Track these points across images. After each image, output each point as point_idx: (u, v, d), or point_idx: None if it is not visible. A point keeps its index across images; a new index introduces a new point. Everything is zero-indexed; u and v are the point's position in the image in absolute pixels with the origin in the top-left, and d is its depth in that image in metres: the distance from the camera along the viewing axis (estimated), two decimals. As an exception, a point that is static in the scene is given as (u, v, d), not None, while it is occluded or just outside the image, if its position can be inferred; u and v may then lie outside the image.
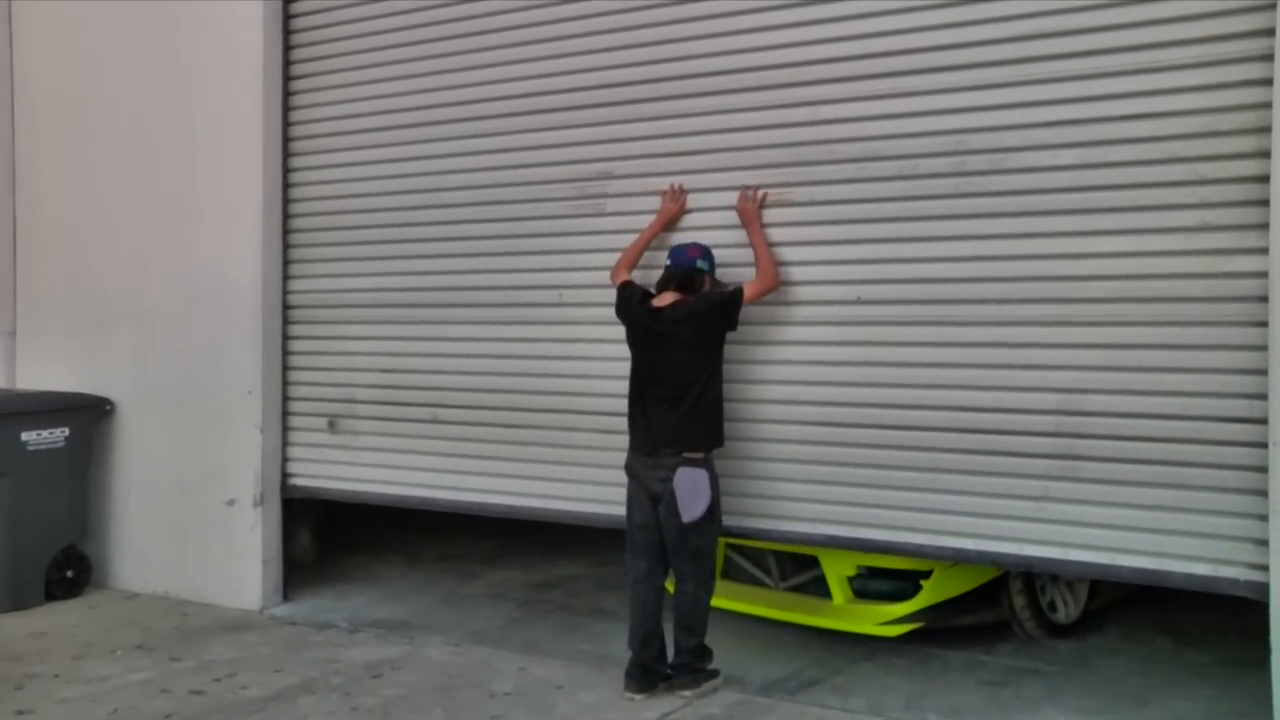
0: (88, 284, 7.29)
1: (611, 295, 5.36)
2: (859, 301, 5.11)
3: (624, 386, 5.24)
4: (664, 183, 5.53)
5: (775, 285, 5.15)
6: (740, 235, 5.27)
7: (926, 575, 5.54)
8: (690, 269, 5.12)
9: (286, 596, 6.78)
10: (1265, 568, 4.21)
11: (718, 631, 5.39)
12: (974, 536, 4.86)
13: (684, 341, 5.01)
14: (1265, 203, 4.21)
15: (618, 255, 5.47)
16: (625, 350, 5.26)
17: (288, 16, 6.71)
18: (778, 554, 5.96)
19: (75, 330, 7.33)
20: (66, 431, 6.89)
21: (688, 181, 5.49)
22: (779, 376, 5.32)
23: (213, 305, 6.79)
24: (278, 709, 5.04)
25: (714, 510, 5.05)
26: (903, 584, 5.59)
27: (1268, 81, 4.20)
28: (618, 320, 5.30)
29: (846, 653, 5.70)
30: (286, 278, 6.77)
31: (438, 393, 6.27)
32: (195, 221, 6.87)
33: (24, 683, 5.37)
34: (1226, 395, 4.36)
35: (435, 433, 6.27)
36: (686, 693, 5.08)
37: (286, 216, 6.76)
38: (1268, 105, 4.20)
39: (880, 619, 5.57)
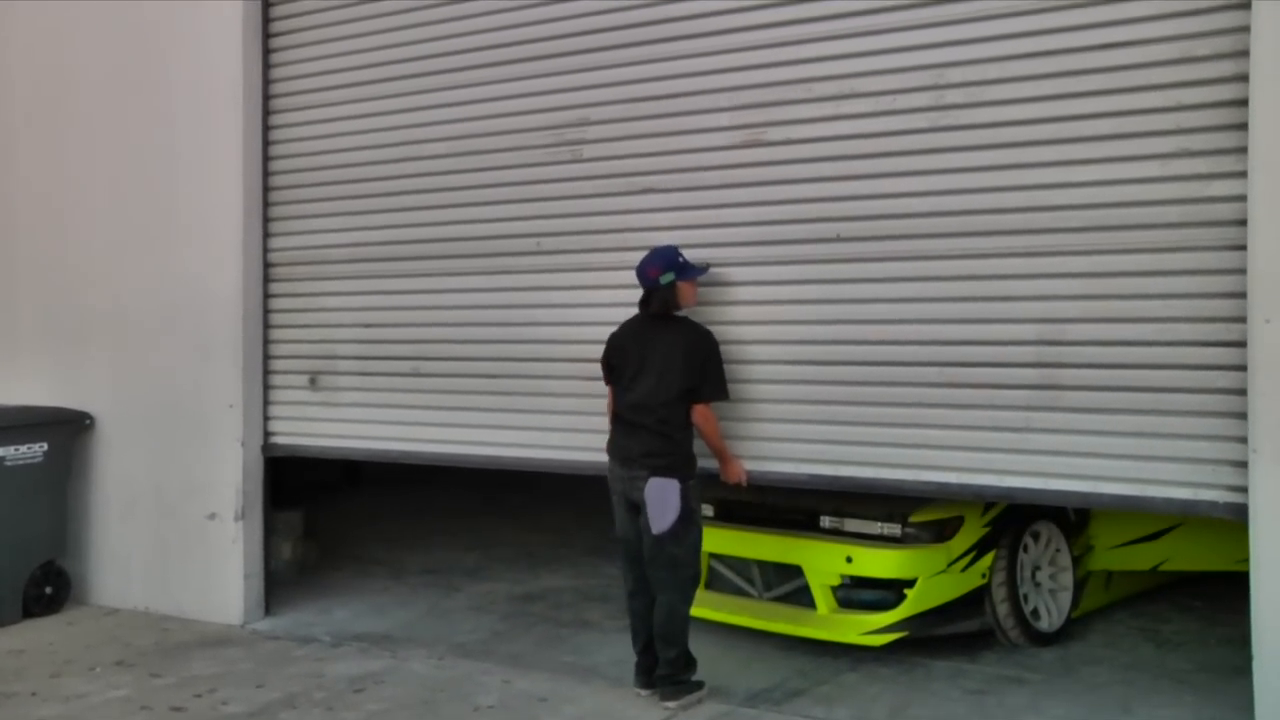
0: (66, 298, 7.25)
1: (592, 242, 5.53)
2: (839, 239, 5.11)
3: (603, 333, 5.30)
4: (641, 127, 5.55)
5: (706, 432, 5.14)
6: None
7: (910, 584, 5.55)
8: (659, 288, 5.12)
9: (268, 611, 6.74)
10: (1244, 489, 4.25)
11: (702, 642, 5.39)
12: (956, 470, 4.88)
13: (670, 369, 5.03)
14: (1243, 126, 4.24)
15: (596, 202, 5.59)
16: (604, 296, 5.42)
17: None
18: (761, 563, 5.96)
19: (54, 344, 7.28)
20: (45, 446, 6.84)
21: (666, 125, 5.49)
22: (760, 317, 5.32)
23: (193, 318, 6.76)
24: (259, 725, 5.02)
25: (690, 520, 5.06)
26: (886, 593, 5.60)
27: (1245, 5, 4.22)
28: (594, 268, 5.55)
29: (831, 663, 5.69)
30: (266, 235, 6.74)
31: (418, 345, 6.27)
32: (174, 235, 6.84)
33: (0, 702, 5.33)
34: (1205, 320, 4.39)
35: (416, 385, 6.27)
36: (670, 704, 5.07)
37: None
38: (1245, 29, 4.22)
39: (864, 628, 5.58)
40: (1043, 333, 4.69)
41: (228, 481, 6.62)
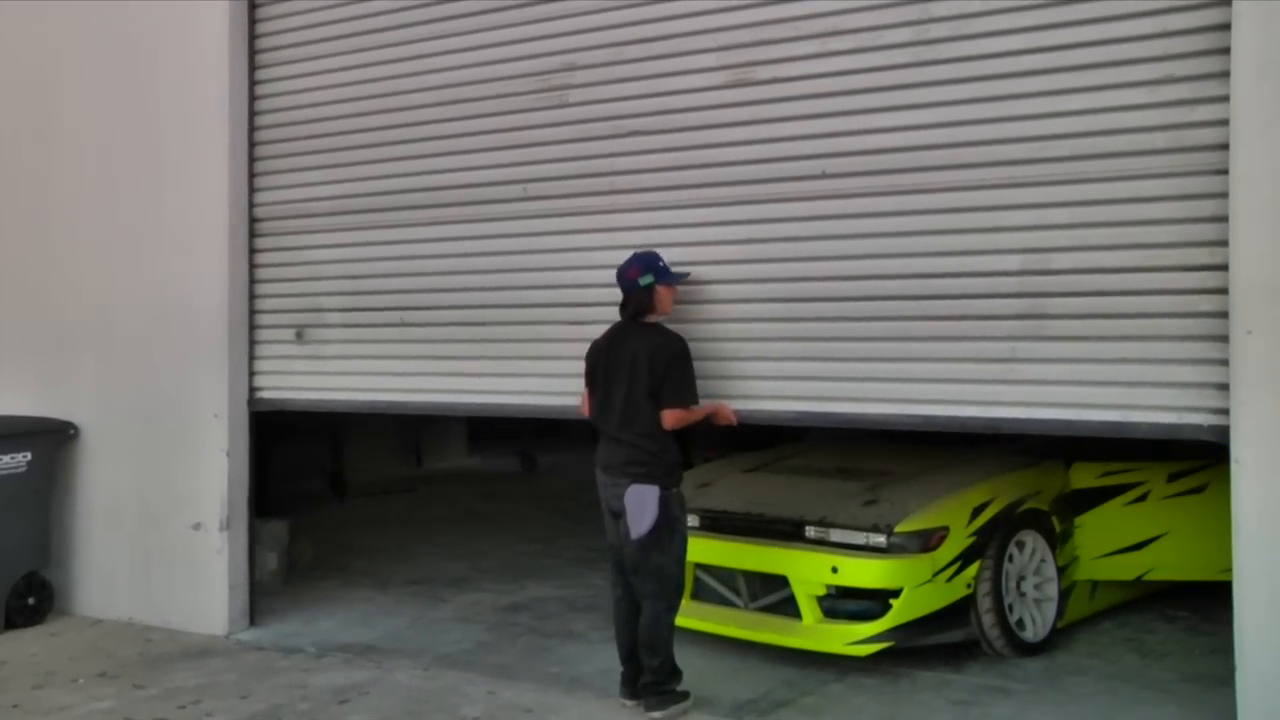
0: (51, 307, 7.23)
1: (579, 186, 5.56)
2: (824, 176, 5.13)
3: (591, 277, 5.38)
4: (627, 70, 5.56)
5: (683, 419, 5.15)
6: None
7: (896, 594, 5.56)
8: (636, 290, 5.14)
9: (253, 621, 6.71)
10: (1226, 411, 4.27)
11: (687, 653, 5.38)
12: (942, 403, 4.90)
13: (637, 378, 5.05)
14: (1225, 51, 4.27)
15: (582, 147, 5.60)
16: (591, 240, 5.48)
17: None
18: (747, 574, 5.96)
19: (38, 354, 7.26)
20: (29, 456, 6.80)
21: (652, 68, 5.50)
22: (745, 255, 5.34)
23: (178, 328, 6.75)
24: (243, 736, 5.00)
25: (672, 528, 5.07)
26: (872, 603, 5.61)
27: None
28: (581, 212, 5.60)
29: (816, 673, 5.69)
30: (252, 190, 6.73)
31: (405, 295, 6.27)
32: (159, 244, 6.83)
33: (-17, 713, 5.30)
34: (1189, 244, 4.42)
35: (404, 336, 6.27)
36: (656, 714, 5.07)
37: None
38: None
39: (850, 638, 5.58)
40: (1028, 263, 4.71)
41: (212, 491, 6.60)
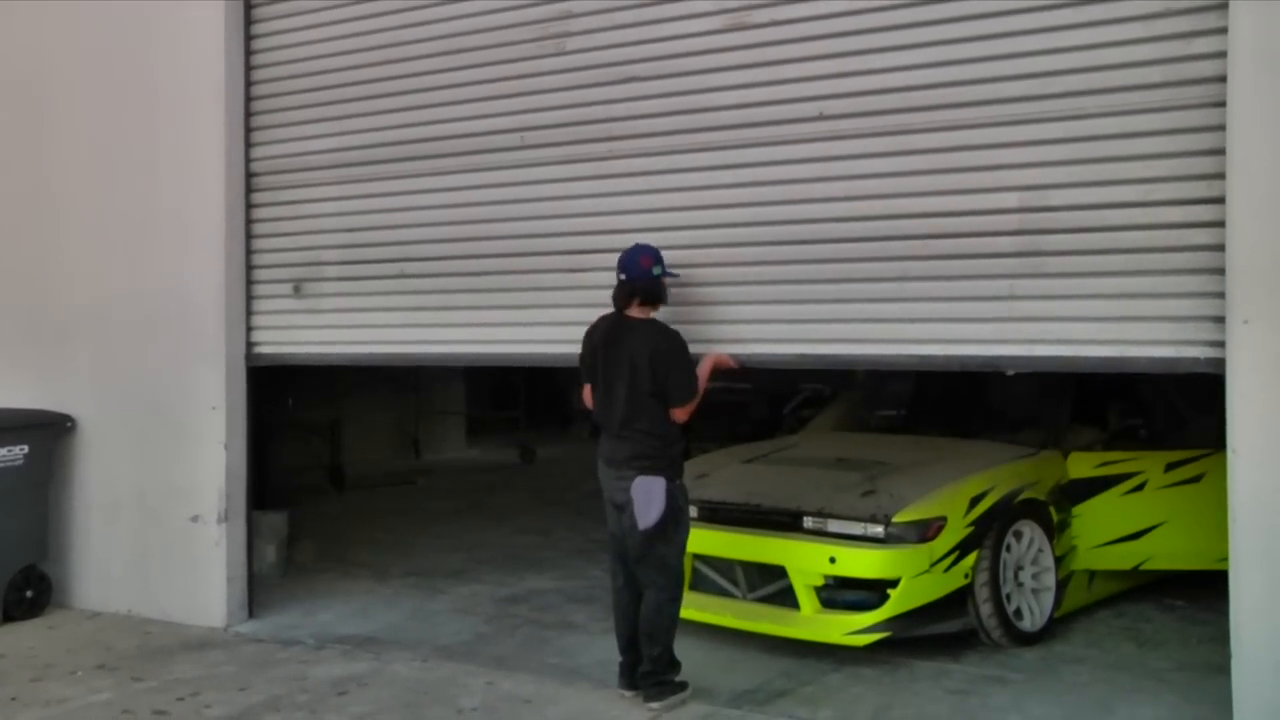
0: (47, 300, 7.21)
1: (577, 134, 5.60)
2: (821, 117, 5.13)
3: (589, 224, 5.39)
4: (625, 17, 5.54)
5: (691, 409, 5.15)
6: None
7: (894, 584, 5.56)
8: (649, 278, 5.14)
9: (252, 613, 6.71)
10: (1223, 344, 4.29)
11: (686, 643, 5.39)
12: (941, 342, 4.91)
13: (638, 378, 5.05)
14: None
15: (580, 94, 5.61)
16: (590, 187, 5.49)
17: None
18: (745, 564, 5.97)
19: (35, 347, 7.25)
20: (26, 449, 6.80)
21: (650, 13, 5.49)
22: (743, 199, 5.34)
23: (176, 320, 6.74)
24: (242, 728, 5.00)
25: (678, 519, 5.08)
26: (870, 594, 5.61)
27: None
28: (579, 160, 5.58)
29: (815, 663, 5.70)
30: (249, 145, 6.71)
31: (403, 247, 6.26)
32: (156, 237, 6.82)
33: (-18, 705, 5.30)
34: (1186, 178, 4.42)
35: (402, 288, 6.27)
36: (654, 705, 5.07)
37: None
38: None
39: (848, 629, 5.59)
40: (1025, 200, 4.72)
41: (210, 484, 6.59)
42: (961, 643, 5.89)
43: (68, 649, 6.21)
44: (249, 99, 6.72)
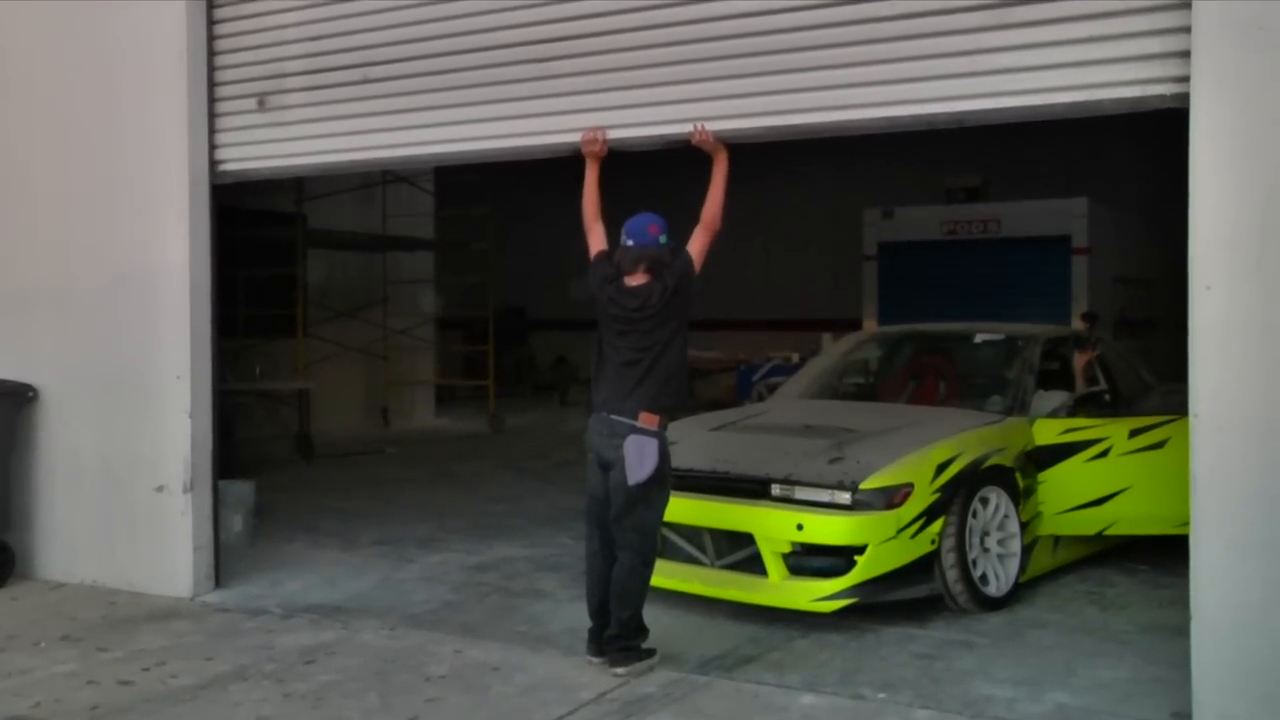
0: (6, 268, 7.11)
1: None
2: None
3: (554, 11, 5.44)
4: None
5: (717, 230, 5.18)
6: None
7: (860, 551, 5.60)
8: (657, 248, 5.13)
9: (218, 583, 6.68)
10: (1187, 79, 4.30)
11: (654, 610, 5.40)
12: (906, 103, 4.92)
13: (652, 326, 5.07)
14: None
15: None
16: None
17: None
18: (713, 531, 5.99)
19: (-5, 315, 7.15)
20: (-13, 419, 6.72)
21: None
22: None
23: (139, 288, 6.65)
24: (209, 697, 4.97)
25: (663, 482, 5.10)
26: (837, 560, 5.64)
27: None
28: None
29: (782, 629, 5.74)
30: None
31: (366, 51, 6.19)
32: (120, 203, 6.72)
33: (-56, 676, 5.25)
34: None
35: (366, 93, 6.21)
36: (621, 670, 5.08)
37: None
38: None
39: (815, 595, 5.62)
40: None
41: (176, 453, 6.54)
42: (928, 608, 5.94)
43: (31, 620, 6.16)
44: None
